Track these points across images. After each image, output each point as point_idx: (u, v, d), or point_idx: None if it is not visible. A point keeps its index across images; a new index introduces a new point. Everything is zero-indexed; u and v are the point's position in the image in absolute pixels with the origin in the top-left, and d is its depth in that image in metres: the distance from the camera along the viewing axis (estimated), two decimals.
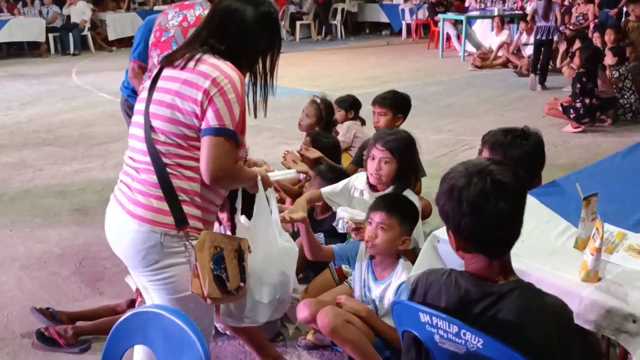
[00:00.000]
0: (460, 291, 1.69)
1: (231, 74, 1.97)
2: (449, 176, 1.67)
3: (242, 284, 2.06)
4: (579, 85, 6.85)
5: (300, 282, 3.25)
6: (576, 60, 7.18)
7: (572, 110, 6.86)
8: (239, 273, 2.06)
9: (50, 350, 2.89)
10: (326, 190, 3.15)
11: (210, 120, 1.92)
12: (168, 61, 2.06)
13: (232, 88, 1.95)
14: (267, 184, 2.25)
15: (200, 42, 2.05)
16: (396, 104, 3.91)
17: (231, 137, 1.95)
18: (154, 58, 3.05)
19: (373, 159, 2.96)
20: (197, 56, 2.00)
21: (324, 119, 4.17)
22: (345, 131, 4.40)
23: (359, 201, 3.06)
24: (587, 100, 6.77)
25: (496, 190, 1.59)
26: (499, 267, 1.68)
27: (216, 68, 1.97)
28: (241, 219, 2.33)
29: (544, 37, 9.08)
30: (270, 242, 2.28)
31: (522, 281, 1.72)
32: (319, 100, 4.22)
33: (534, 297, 1.68)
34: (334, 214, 3.03)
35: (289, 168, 3.56)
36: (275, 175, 2.38)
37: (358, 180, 3.13)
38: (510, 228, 1.65)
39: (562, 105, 7.02)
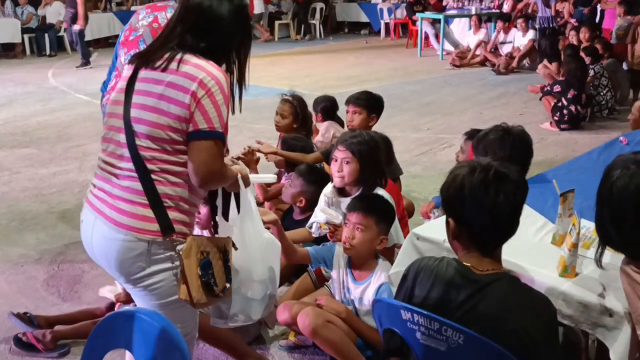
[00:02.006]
0: (449, 276, 1.75)
1: (217, 75, 1.92)
2: (455, 168, 1.78)
3: (227, 285, 2.05)
4: (558, 86, 6.87)
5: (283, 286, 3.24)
6: (563, 68, 7.09)
7: (558, 113, 6.80)
8: (224, 274, 2.04)
9: (28, 355, 2.84)
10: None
11: (199, 123, 1.88)
12: (144, 61, 1.97)
13: (220, 89, 1.91)
14: (246, 182, 2.22)
15: (177, 41, 1.97)
16: (370, 103, 3.93)
17: (220, 139, 1.91)
18: (121, 57, 3.00)
19: (336, 160, 2.94)
20: (178, 56, 1.93)
21: (299, 115, 4.14)
22: (324, 131, 4.40)
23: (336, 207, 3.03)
24: (572, 108, 6.71)
25: (498, 181, 1.67)
26: (489, 260, 1.75)
27: (201, 69, 1.91)
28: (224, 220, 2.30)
29: (545, 25, 10.12)
30: (257, 238, 2.25)
31: (509, 274, 1.78)
32: (291, 98, 4.18)
33: (519, 289, 1.74)
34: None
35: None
36: (254, 177, 2.37)
37: (327, 189, 3.11)
38: (506, 223, 1.72)
39: (554, 103, 6.89)
